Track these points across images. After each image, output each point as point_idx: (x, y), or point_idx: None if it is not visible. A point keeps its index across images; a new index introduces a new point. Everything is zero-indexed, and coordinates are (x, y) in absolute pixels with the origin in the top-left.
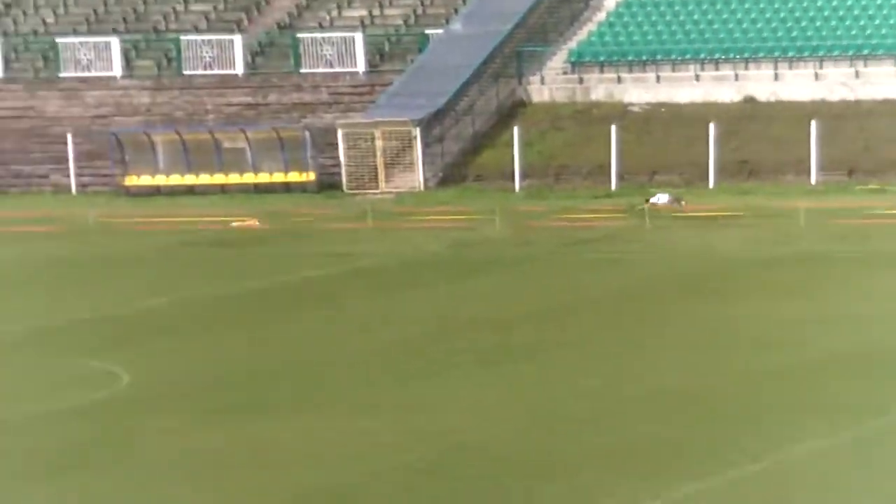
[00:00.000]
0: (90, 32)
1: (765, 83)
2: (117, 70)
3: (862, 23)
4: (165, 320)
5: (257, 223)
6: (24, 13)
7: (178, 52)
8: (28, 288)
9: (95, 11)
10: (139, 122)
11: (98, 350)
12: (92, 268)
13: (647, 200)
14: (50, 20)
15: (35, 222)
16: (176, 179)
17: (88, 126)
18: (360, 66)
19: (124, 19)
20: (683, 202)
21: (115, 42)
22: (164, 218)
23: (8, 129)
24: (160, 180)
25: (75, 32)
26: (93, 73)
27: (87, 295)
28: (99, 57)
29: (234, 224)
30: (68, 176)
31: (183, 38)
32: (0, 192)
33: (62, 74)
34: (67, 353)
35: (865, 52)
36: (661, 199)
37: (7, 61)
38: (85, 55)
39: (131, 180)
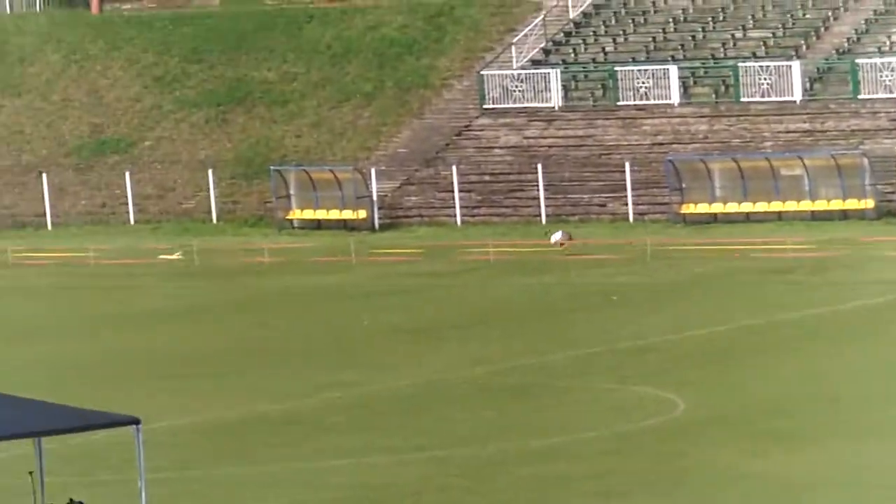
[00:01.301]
0: (648, 60)
1: None
2: (675, 98)
3: None
4: (720, 347)
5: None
6: (584, 42)
7: (736, 78)
8: (576, 315)
9: (654, 39)
10: (696, 150)
11: (652, 376)
12: (646, 295)
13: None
14: (609, 48)
15: (595, 250)
16: (732, 207)
17: (646, 154)
18: None
19: (682, 46)
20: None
21: (673, 70)
22: (720, 246)
23: (567, 158)
24: (717, 208)
25: (634, 61)
26: (650, 101)
27: (640, 321)
28: (657, 85)
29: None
30: (626, 204)
31: (741, 64)
32: (559, 219)
33: (620, 102)
34: (621, 380)
35: None
36: (556, 237)
37: (566, 90)
38: (643, 83)
39: (688, 208)
